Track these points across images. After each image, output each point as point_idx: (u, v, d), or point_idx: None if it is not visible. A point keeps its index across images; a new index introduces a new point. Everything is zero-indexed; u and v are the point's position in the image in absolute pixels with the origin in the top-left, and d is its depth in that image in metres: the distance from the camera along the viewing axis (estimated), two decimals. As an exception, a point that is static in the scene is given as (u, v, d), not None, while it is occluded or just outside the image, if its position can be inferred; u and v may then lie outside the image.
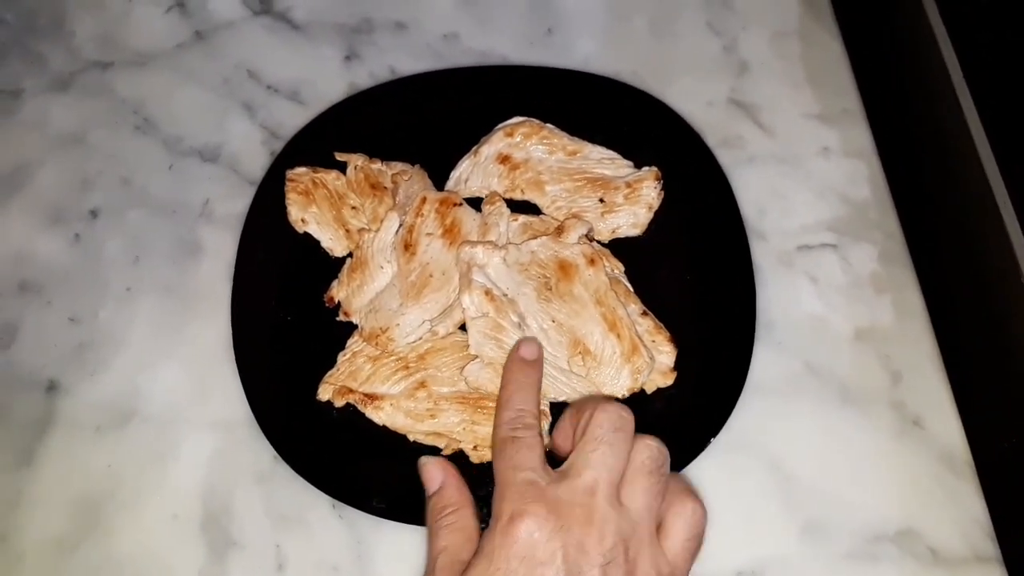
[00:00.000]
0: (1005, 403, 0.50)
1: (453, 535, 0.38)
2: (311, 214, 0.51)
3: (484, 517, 0.41)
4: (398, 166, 0.53)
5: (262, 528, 0.45)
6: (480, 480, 0.44)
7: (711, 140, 0.55)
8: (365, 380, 0.47)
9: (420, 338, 0.48)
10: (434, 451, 0.45)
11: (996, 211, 0.49)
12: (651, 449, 0.37)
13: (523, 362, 0.43)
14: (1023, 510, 0.47)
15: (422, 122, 0.55)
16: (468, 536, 0.39)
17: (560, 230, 0.48)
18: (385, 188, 0.52)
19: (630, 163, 0.53)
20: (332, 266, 0.51)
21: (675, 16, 0.61)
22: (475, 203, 0.52)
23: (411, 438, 0.46)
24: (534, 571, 0.35)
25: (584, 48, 0.60)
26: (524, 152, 0.53)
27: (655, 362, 0.47)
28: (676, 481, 0.39)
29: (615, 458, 0.37)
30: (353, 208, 0.52)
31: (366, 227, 0.51)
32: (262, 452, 0.47)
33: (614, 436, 0.38)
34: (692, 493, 0.38)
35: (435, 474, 0.41)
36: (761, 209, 0.54)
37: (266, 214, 0.52)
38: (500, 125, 0.54)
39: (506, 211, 0.50)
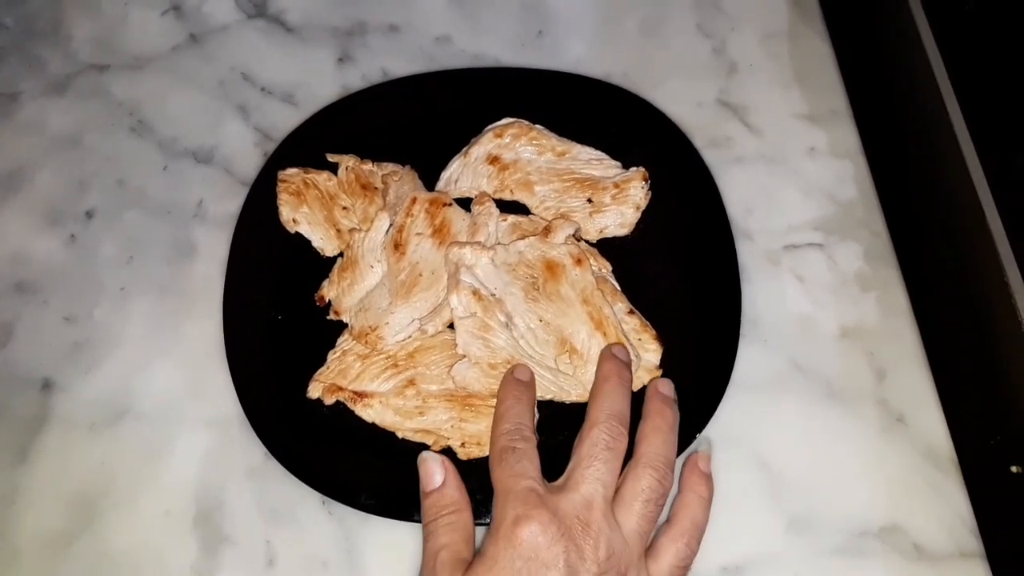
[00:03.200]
0: (989, 400, 0.50)
1: (453, 534, 0.40)
2: (302, 214, 0.52)
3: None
4: (389, 167, 0.54)
5: (253, 524, 0.46)
6: (467, 477, 0.45)
7: (699, 141, 0.56)
8: (355, 378, 0.47)
9: (409, 337, 0.48)
10: (423, 448, 0.46)
11: (980, 210, 0.49)
12: (652, 480, 0.40)
13: (518, 381, 0.44)
14: (1006, 506, 0.48)
15: (413, 123, 0.56)
16: (467, 536, 0.40)
17: (547, 231, 0.49)
18: (376, 188, 0.53)
19: (618, 164, 0.53)
20: (323, 266, 0.51)
21: (665, 18, 0.62)
22: (465, 203, 0.52)
23: (400, 435, 0.46)
24: (537, 572, 0.36)
25: (575, 50, 0.61)
26: (513, 153, 0.53)
27: (641, 360, 0.47)
28: (688, 511, 0.41)
29: (609, 474, 0.40)
30: (344, 208, 0.52)
31: (357, 227, 0.52)
32: (253, 449, 0.47)
33: (608, 454, 0.40)
34: (693, 529, 0.41)
35: (435, 471, 0.42)
36: (748, 209, 0.54)
37: (258, 215, 0.53)
38: (490, 126, 0.54)
39: (495, 211, 0.51)
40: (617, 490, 0.40)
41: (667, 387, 0.44)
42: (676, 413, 0.43)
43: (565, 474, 0.40)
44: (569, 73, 0.58)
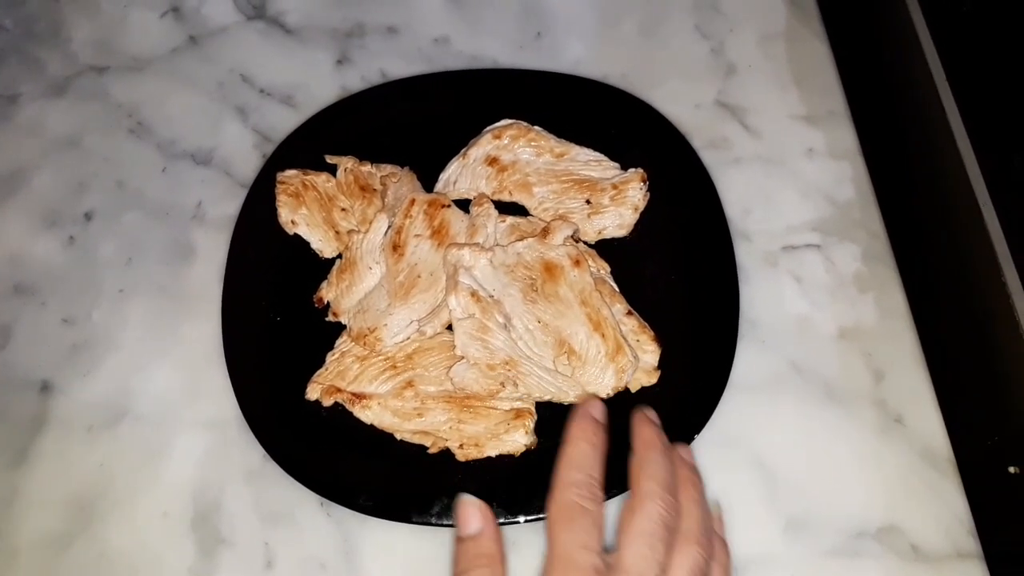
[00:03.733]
0: (986, 401, 0.50)
1: None
2: (301, 216, 0.52)
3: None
4: (387, 168, 0.54)
5: (251, 526, 0.46)
6: (466, 480, 0.45)
7: (698, 142, 0.56)
8: (353, 379, 0.47)
9: (407, 338, 0.48)
10: (421, 449, 0.46)
11: (977, 211, 0.50)
12: (700, 558, 0.38)
13: (594, 421, 0.40)
14: (1004, 507, 0.48)
15: (412, 125, 0.56)
16: None
17: (546, 232, 0.49)
18: (374, 190, 0.53)
19: (616, 165, 0.54)
20: (322, 267, 0.51)
21: (663, 20, 0.62)
22: (464, 205, 0.52)
23: (398, 437, 0.46)
24: None
25: (573, 51, 0.61)
26: (512, 154, 0.53)
27: (639, 361, 0.47)
28: None
29: (666, 554, 0.37)
30: (343, 210, 0.53)
31: (355, 228, 0.52)
32: (252, 451, 0.47)
33: (665, 532, 0.38)
34: None
35: (473, 516, 0.39)
36: (746, 210, 0.54)
37: (257, 216, 0.53)
38: (488, 128, 0.54)
39: (494, 212, 0.51)
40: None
41: (688, 453, 0.41)
42: (701, 478, 0.40)
43: (619, 549, 0.37)
44: (568, 74, 0.58)
